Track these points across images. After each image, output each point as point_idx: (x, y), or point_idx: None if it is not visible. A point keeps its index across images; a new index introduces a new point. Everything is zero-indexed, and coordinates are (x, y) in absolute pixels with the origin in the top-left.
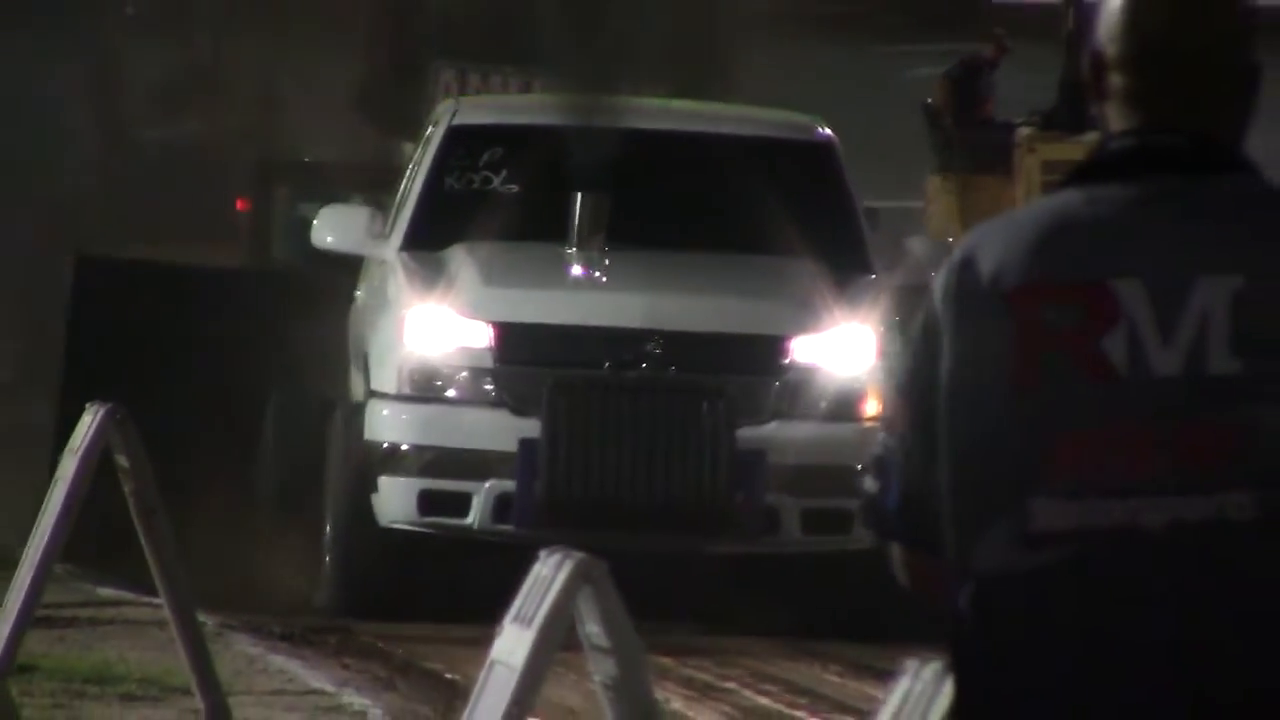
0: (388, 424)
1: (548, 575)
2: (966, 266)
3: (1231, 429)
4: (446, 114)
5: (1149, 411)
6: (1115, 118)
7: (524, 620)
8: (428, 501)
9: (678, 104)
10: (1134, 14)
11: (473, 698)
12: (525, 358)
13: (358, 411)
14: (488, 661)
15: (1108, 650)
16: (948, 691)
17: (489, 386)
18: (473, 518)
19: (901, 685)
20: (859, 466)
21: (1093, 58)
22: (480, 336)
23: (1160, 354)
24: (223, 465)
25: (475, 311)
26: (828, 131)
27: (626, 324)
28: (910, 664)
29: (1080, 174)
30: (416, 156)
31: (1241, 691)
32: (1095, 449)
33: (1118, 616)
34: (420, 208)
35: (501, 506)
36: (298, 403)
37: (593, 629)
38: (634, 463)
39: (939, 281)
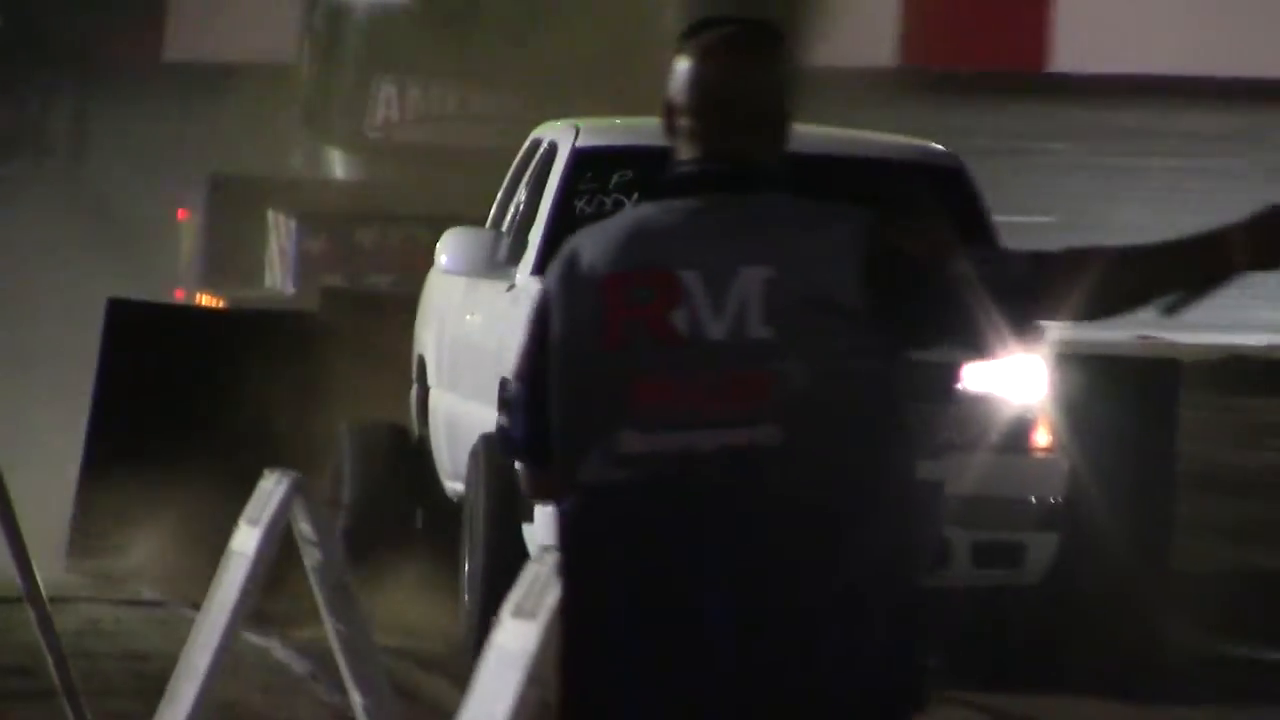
0: None
1: (268, 488)
2: (571, 259)
3: (764, 378)
4: (565, 136)
5: (704, 365)
6: (683, 149)
7: (253, 521)
8: None
9: (818, 128)
10: (696, 72)
11: (213, 584)
12: None
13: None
14: (226, 551)
15: (675, 541)
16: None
17: None
18: None
19: (530, 571)
20: (1032, 499)
21: (666, 105)
22: None
23: (713, 323)
24: None
25: None
26: (957, 156)
27: None
28: (536, 552)
29: (655, 191)
30: (529, 180)
31: (770, 572)
32: (665, 393)
33: (681, 516)
34: (549, 232)
35: None
36: (373, 435)
37: (304, 527)
38: None
39: (551, 271)
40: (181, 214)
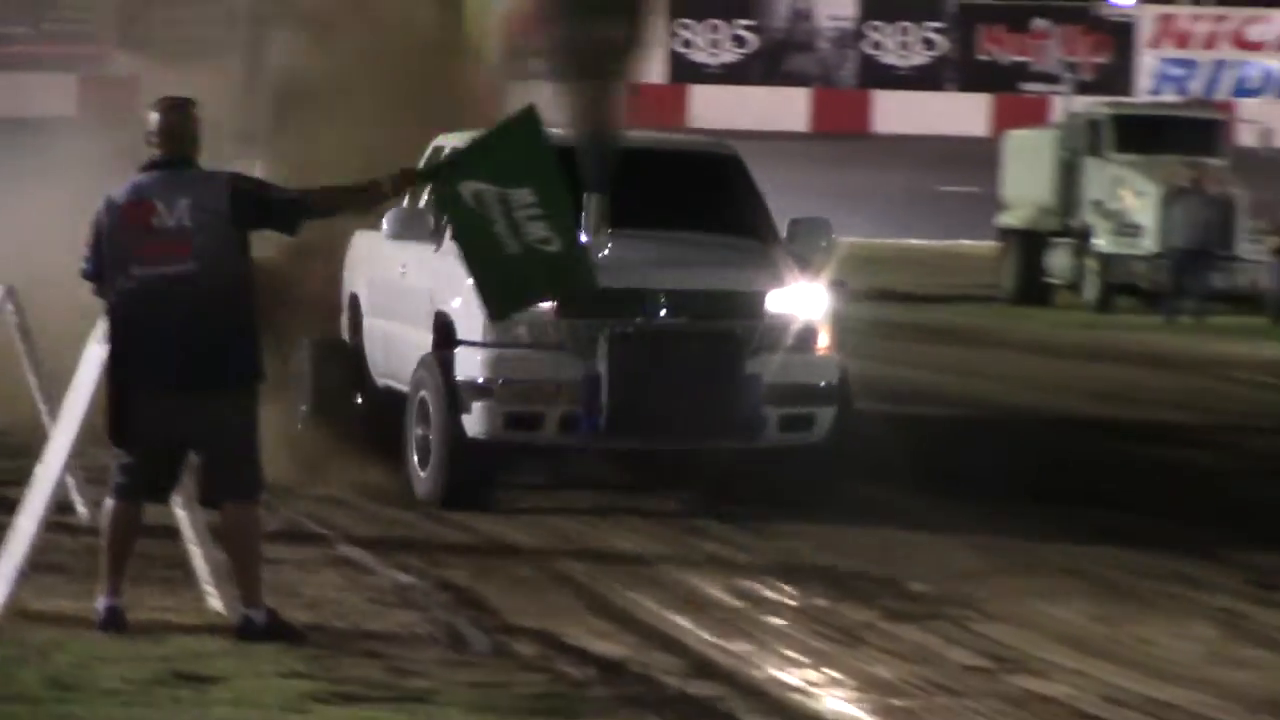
0: (477, 364)
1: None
2: (110, 198)
3: (187, 238)
4: (451, 140)
5: (165, 238)
6: (155, 152)
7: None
8: (511, 420)
9: (643, 132)
10: (159, 119)
11: None
12: (579, 313)
13: (444, 356)
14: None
15: (155, 312)
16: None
17: (553, 334)
18: (545, 432)
19: (98, 326)
20: (820, 383)
21: (146, 134)
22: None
23: (169, 221)
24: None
25: None
26: (732, 146)
27: (656, 286)
28: (96, 333)
29: (147, 168)
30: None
31: (192, 321)
32: (149, 250)
33: (158, 302)
34: None
35: (565, 423)
36: (330, 347)
37: (9, 307)
38: (669, 389)
39: (101, 202)
40: None
